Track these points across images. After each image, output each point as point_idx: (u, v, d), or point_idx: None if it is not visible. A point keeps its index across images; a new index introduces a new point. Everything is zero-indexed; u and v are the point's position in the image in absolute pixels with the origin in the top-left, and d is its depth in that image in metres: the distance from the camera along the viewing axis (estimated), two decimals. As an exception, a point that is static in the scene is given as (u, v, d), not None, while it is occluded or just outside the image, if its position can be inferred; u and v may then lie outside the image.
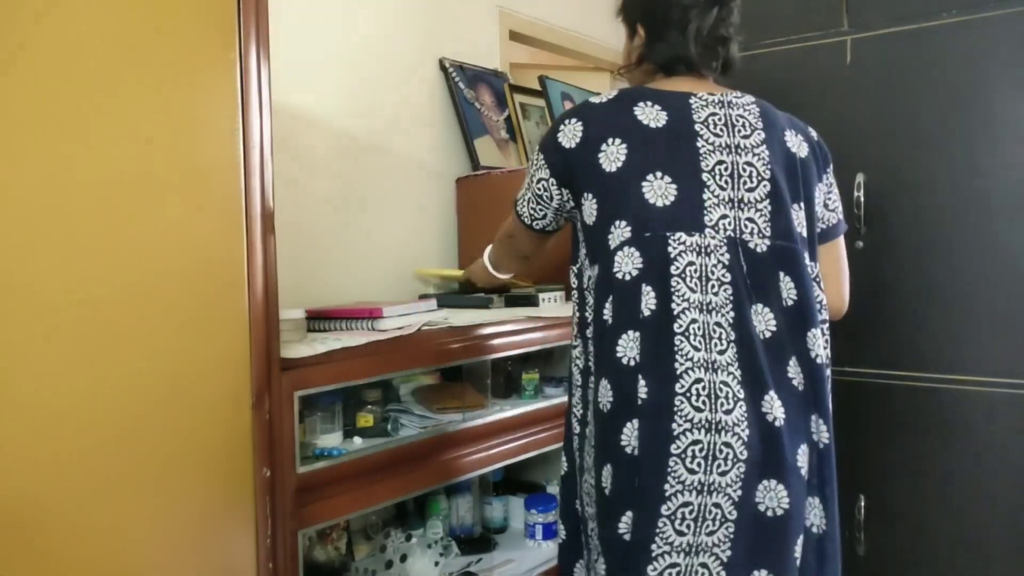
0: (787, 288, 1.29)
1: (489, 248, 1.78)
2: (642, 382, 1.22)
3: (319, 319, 1.71)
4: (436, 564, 1.93)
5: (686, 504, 1.19)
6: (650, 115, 1.32)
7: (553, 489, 2.33)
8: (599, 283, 1.31)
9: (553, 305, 2.15)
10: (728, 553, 1.20)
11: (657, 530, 1.19)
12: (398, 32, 2.42)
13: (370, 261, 2.31)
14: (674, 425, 1.19)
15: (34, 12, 1.08)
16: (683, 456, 1.19)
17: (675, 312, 1.23)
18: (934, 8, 2.01)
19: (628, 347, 1.25)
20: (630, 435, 1.23)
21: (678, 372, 1.21)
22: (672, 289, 1.24)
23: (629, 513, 1.23)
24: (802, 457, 1.25)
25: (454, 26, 2.62)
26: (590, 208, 1.33)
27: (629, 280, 1.26)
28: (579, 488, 1.40)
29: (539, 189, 1.42)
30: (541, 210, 1.45)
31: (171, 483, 1.23)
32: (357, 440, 1.66)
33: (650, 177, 1.28)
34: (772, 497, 1.22)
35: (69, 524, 1.12)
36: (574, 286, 1.42)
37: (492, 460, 1.87)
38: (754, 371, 1.22)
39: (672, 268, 1.25)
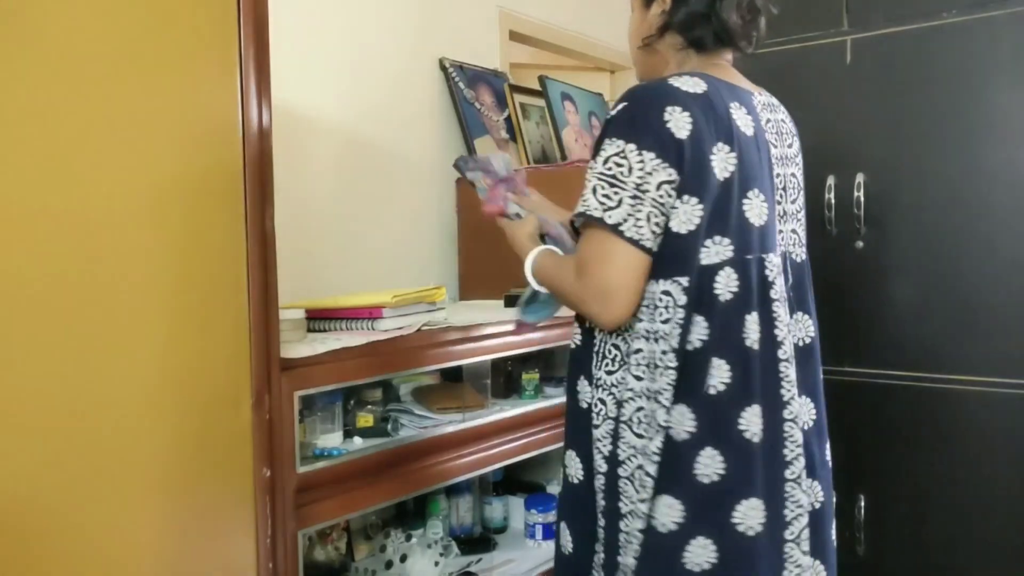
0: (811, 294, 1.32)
1: (536, 261, 1.32)
2: (747, 413, 1.16)
3: (319, 319, 1.71)
4: (436, 564, 1.93)
5: (805, 526, 1.22)
6: (743, 120, 1.19)
7: (553, 489, 2.33)
8: (689, 303, 1.15)
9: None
10: (805, 546, 1.24)
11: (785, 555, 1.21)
12: (398, 32, 2.42)
13: (370, 261, 2.31)
14: (786, 451, 1.20)
15: (34, 12, 1.08)
16: (799, 480, 1.21)
17: (779, 339, 1.20)
18: (934, 8, 2.01)
19: (715, 375, 1.15)
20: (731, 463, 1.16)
21: (785, 399, 1.20)
22: (774, 315, 1.19)
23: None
24: (828, 452, 1.33)
25: (454, 26, 2.62)
26: (687, 214, 1.13)
27: (728, 304, 1.15)
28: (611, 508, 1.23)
29: (662, 197, 1.12)
30: (663, 224, 1.14)
31: (171, 483, 1.23)
32: (357, 440, 1.66)
33: (750, 194, 1.18)
34: (811, 493, 1.27)
35: (69, 524, 1.12)
36: None
37: (492, 460, 1.87)
38: (797, 379, 1.25)
39: (772, 292, 1.19)
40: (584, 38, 3.24)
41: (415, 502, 2.11)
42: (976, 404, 1.99)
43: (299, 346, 1.46)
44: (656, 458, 1.16)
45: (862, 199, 2.09)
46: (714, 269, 1.16)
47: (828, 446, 1.34)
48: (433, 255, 2.50)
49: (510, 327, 1.91)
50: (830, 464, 1.34)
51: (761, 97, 1.27)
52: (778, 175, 1.25)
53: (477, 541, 2.17)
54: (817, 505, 1.28)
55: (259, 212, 1.32)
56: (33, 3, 1.08)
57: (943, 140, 2.01)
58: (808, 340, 1.30)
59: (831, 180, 2.13)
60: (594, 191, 1.14)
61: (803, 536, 1.21)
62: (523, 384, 2.09)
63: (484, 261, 2.45)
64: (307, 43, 2.16)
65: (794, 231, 1.30)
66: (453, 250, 2.55)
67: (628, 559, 1.19)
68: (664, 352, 1.16)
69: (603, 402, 1.23)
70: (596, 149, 1.18)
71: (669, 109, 1.12)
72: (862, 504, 2.12)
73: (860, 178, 2.10)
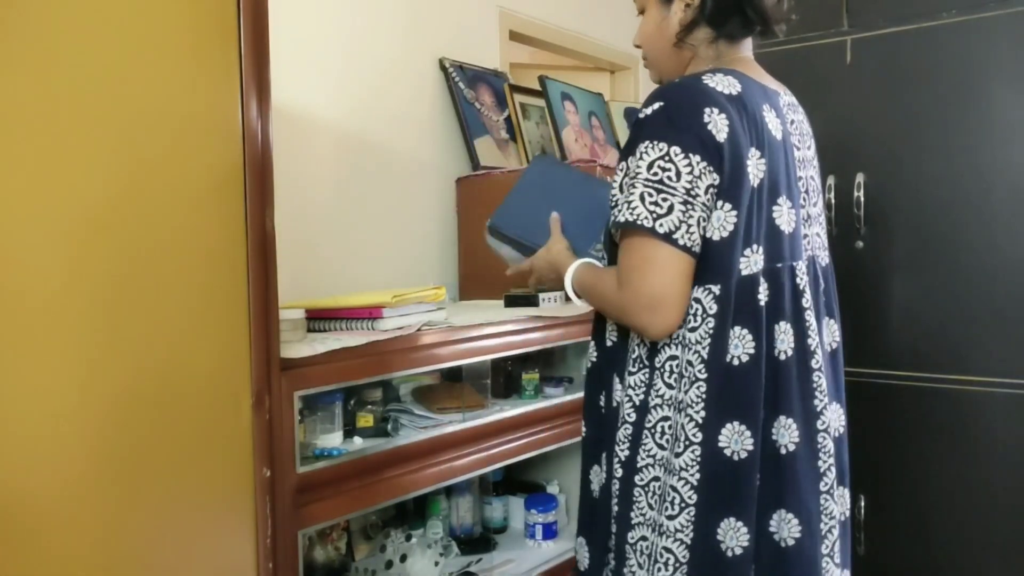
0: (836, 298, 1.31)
1: (575, 275, 1.29)
2: (779, 425, 1.14)
3: (319, 319, 1.71)
4: (436, 564, 1.93)
5: (837, 538, 1.22)
6: (774, 124, 1.15)
7: (553, 489, 2.33)
8: (724, 312, 1.11)
9: (553, 305, 2.15)
10: (838, 558, 1.23)
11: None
12: (398, 32, 2.42)
13: (370, 261, 2.31)
14: (819, 463, 1.19)
15: (33, 11, 1.08)
16: (831, 492, 1.20)
17: (811, 348, 1.18)
18: (934, 8, 2.01)
19: (760, 386, 1.13)
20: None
21: (818, 409, 1.19)
22: (806, 323, 1.17)
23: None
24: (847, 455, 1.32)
25: (454, 26, 2.62)
26: (720, 220, 1.10)
27: (763, 314, 1.13)
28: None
29: (709, 201, 1.09)
30: (703, 229, 1.10)
31: (171, 483, 1.22)
32: (357, 440, 1.66)
33: (780, 201, 1.15)
34: (841, 503, 1.26)
35: (69, 524, 1.12)
36: None
37: (492, 460, 1.86)
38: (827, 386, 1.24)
39: (803, 301, 1.17)
40: (584, 38, 3.24)
41: (415, 502, 2.11)
42: (976, 404, 1.99)
43: (299, 346, 1.46)
44: (695, 476, 1.11)
45: (862, 199, 2.09)
46: (754, 279, 1.12)
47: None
48: (433, 255, 2.50)
49: (510, 327, 1.91)
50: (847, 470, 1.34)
51: (787, 97, 1.25)
52: (800, 178, 1.22)
53: (477, 541, 2.17)
54: (847, 514, 1.28)
55: (259, 212, 1.32)
56: (33, 2, 1.08)
57: (943, 140, 2.01)
58: (835, 345, 1.29)
59: (831, 180, 2.13)
60: (642, 198, 1.08)
61: (836, 548, 1.21)
62: (523, 384, 2.09)
63: (484, 261, 2.45)
64: (307, 43, 2.16)
65: (818, 234, 1.27)
66: (453, 250, 2.55)
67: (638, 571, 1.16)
68: (690, 363, 1.12)
69: (622, 406, 1.19)
70: (629, 151, 1.13)
71: (708, 111, 1.08)
72: (862, 504, 2.12)
73: (860, 178, 2.10)
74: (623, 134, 2.92)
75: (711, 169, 1.07)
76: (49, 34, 1.09)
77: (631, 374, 1.18)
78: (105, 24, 1.15)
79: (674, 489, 1.13)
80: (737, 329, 1.12)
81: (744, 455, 1.11)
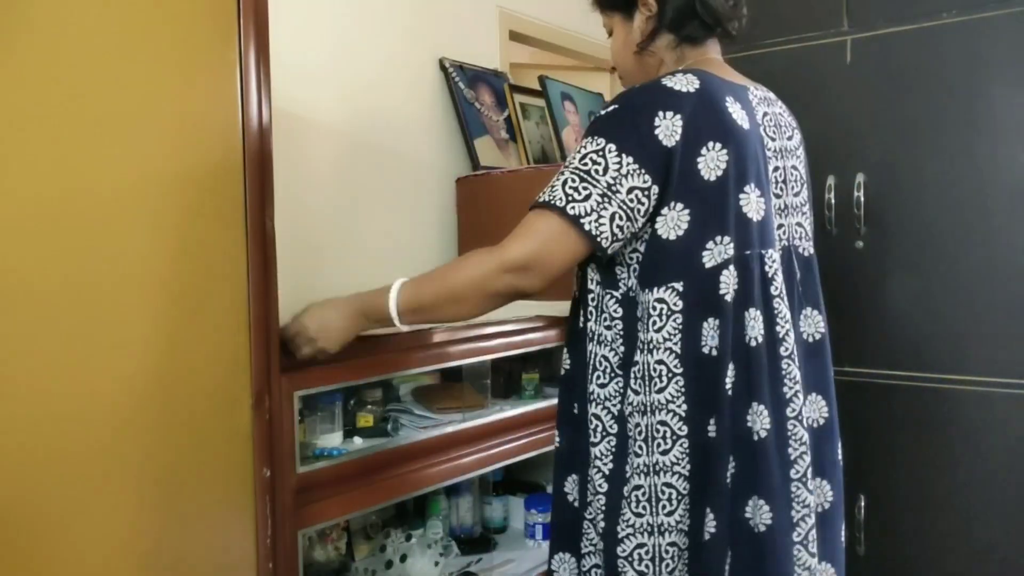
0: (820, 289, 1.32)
1: (400, 292, 1.26)
2: (752, 411, 1.15)
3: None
4: (436, 564, 1.93)
5: (811, 526, 1.21)
6: (739, 115, 1.17)
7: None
8: (692, 308, 1.14)
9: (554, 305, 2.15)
10: (813, 548, 1.22)
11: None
12: (398, 32, 2.42)
13: (370, 261, 2.31)
14: (790, 450, 1.19)
15: (33, 10, 1.08)
16: (804, 479, 1.20)
17: (780, 335, 1.18)
18: (934, 8, 2.01)
19: (731, 375, 1.15)
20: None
21: (788, 396, 1.19)
22: (775, 311, 1.18)
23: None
24: (839, 451, 1.33)
25: (454, 26, 2.62)
26: (675, 220, 1.13)
27: (732, 303, 1.15)
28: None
29: (632, 202, 1.11)
30: (628, 229, 1.13)
31: (171, 483, 1.22)
32: (357, 440, 1.66)
33: (747, 189, 1.16)
34: (819, 493, 1.27)
35: (69, 525, 1.12)
36: (616, 316, 1.18)
37: (492, 460, 1.86)
38: (803, 378, 1.24)
39: (772, 289, 1.18)
40: (584, 38, 3.24)
41: (415, 502, 2.11)
42: (976, 404, 1.99)
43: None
44: (686, 468, 1.14)
45: (862, 199, 2.09)
46: (718, 270, 1.14)
47: (839, 445, 1.34)
48: (433, 255, 2.50)
49: (510, 327, 1.91)
50: (840, 463, 1.34)
51: (757, 92, 1.27)
52: (776, 168, 1.24)
53: (477, 541, 2.17)
54: (827, 506, 1.28)
55: (259, 212, 1.32)
56: (32, 1, 1.08)
57: (943, 140, 2.01)
58: (818, 336, 1.29)
59: (831, 180, 2.13)
60: (563, 184, 1.13)
61: (810, 537, 1.20)
62: (523, 384, 2.09)
63: (484, 261, 2.45)
64: (307, 43, 2.16)
65: (799, 224, 1.29)
66: (453, 250, 2.55)
67: None
68: (661, 362, 1.14)
69: (598, 417, 1.20)
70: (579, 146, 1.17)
71: (660, 114, 1.11)
72: (862, 504, 2.12)
73: (860, 178, 2.10)
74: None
75: (642, 172, 1.10)
76: (48, 34, 1.09)
77: (603, 386, 1.20)
78: (104, 24, 1.15)
79: (668, 486, 1.14)
80: (711, 320, 1.14)
81: (720, 442, 1.15)
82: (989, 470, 1.98)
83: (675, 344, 1.14)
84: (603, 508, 1.19)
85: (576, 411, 1.25)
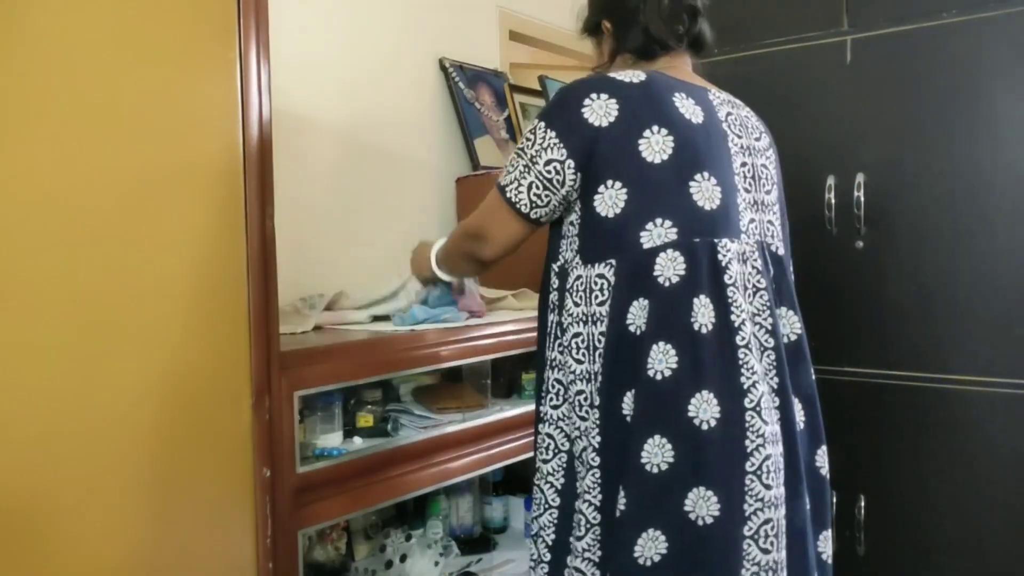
0: (794, 290, 1.32)
1: (439, 245, 1.54)
2: (697, 399, 1.14)
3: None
4: (436, 564, 1.93)
5: (767, 521, 1.17)
6: (689, 108, 1.23)
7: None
8: (622, 285, 1.19)
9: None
10: (763, 543, 1.18)
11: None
12: (398, 32, 2.42)
13: (370, 261, 2.31)
14: (747, 442, 1.16)
15: (33, 9, 1.08)
16: (759, 473, 1.16)
17: (736, 324, 1.18)
18: (934, 8, 2.01)
19: (660, 360, 1.15)
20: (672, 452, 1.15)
21: (745, 387, 1.17)
22: (729, 299, 1.18)
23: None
24: (821, 457, 1.31)
25: (454, 26, 2.62)
26: (612, 199, 1.19)
27: (673, 287, 1.16)
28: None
29: (548, 172, 1.21)
30: (546, 197, 1.23)
31: (171, 483, 1.22)
32: (357, 440, 1.66)
33: (698, 177, 1.20)
34: (798, 507, 1.23)
35: (69, 524, 1.12)
36: (554, 287, 1.29)
37: (492, 460, 1.86)
38: (781, 378, 1.23)
39: (726, 277, 1.19)
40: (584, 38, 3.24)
41: (415, 502, 2.11)
42: (976, 404, 1.99)
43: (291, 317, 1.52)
44: (596, 441, 1.20)
45: (862, 199, 2.09)
46: (655, 252, 1.18)
47: (823, 451, 1.31)
48: (433, 255, 2.50)
49: (510, 327, 1.91)
50: (824, 472, 1.30)
51: (720, 95, 1.32)
52: (744, 164, 1.28)
53: (477, 541, 2.17)
54: (799, 523, 1.23)
55: (259, 212, 1.32)
56: (33, 3, 1.08)
57: (943, 140, 2.01)
58: (794, 337, 1.29)
59: (831, 180, 2.13)
60: (509, 162, 1.28)
61: (762, 533, 1.16)
62: (523, 384, 2.09)
63: (484, 261, 2.45)
64: (307, 43, 2.16)
65: (770, 222, 1.31)
66: (453, 250, 2.55)
67: None
68: (602, 333, 1.20)
69: (551, 437, 1.29)
70: None
71: (593, 96, 1.21)
72: (862, 504, 2.12)
73: (860, 178, 2.09)
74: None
75: (561, 146, 1.21)
76: (49, 33, 1.09)
77: (548, 405, 1.31)
78: (104, 23, 1.15)
79: (584, 451, 1.23)
80: (638, 301, 1.17)
81: (636, 424, 1.16)
82: (989, 470, 1.98)
83: (609, 321, 1.19)
84: (555, 522, 1.29)
85: (537, 428, 1.34)
